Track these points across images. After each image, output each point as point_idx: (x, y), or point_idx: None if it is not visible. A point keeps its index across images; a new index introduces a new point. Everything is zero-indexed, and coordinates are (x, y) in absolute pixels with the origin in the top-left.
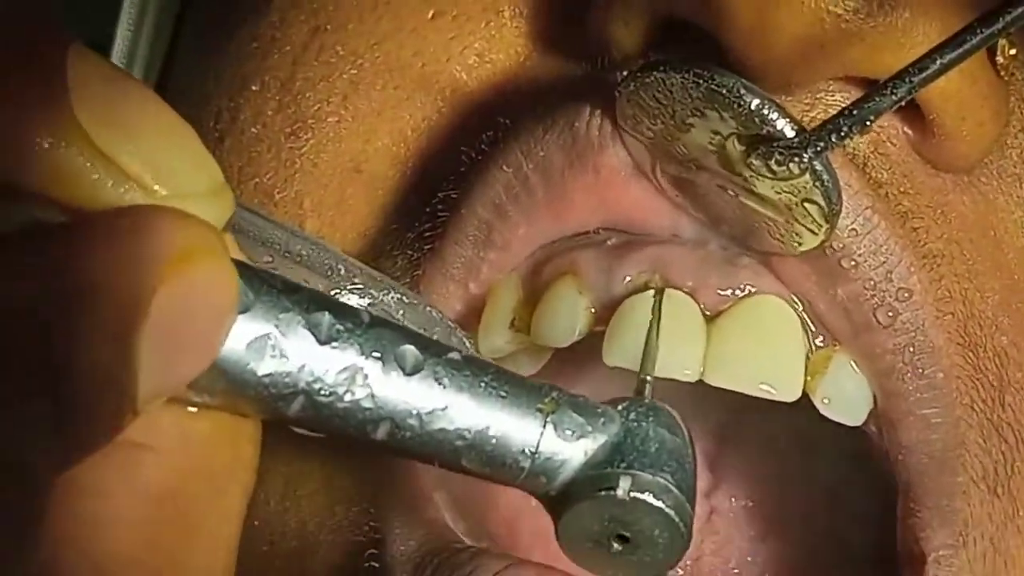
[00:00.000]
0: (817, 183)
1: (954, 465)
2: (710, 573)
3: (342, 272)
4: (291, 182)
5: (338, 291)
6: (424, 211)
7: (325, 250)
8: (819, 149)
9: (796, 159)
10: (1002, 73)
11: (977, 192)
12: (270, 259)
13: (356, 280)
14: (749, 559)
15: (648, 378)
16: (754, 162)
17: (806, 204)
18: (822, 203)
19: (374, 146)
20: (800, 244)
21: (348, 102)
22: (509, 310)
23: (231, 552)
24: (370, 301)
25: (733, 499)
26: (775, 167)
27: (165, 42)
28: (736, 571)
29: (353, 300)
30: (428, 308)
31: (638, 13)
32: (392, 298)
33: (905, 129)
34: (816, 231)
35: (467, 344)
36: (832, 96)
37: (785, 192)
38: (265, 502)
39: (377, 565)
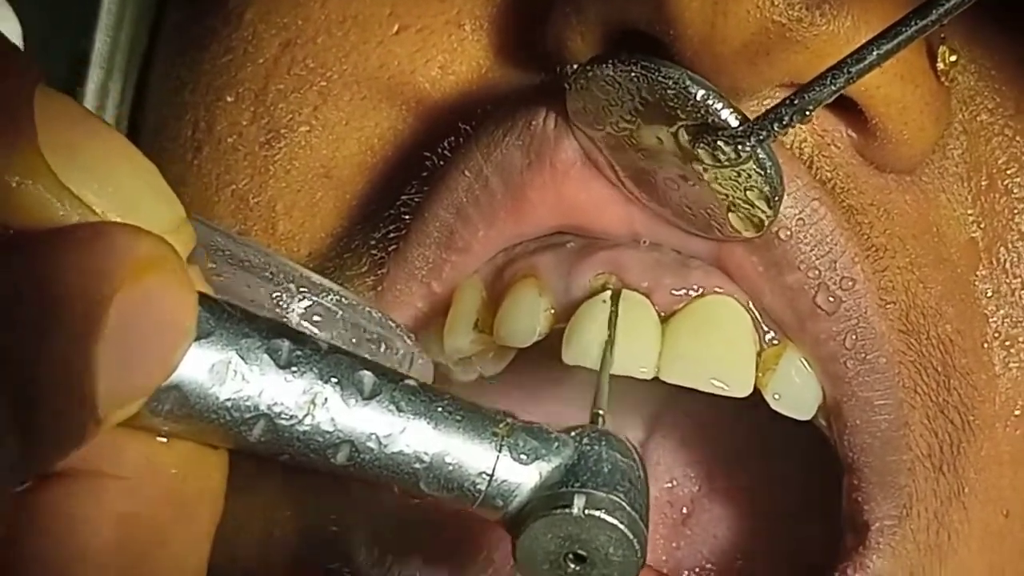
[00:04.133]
0: (760, 170)
1: (898, 445)
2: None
3: (283, 276)
4: (265, 188)
5: (279, 293)
6: (389, 214)
7: (267, 255)
8: (762, 137)
9: (740, 147)
10: (943, 79)
11: (919, 191)
12: (214, 265)
13: (297, 282)
14: (713, 534)
15: (600, 411)
16: (701, 152)
17: (751, 191)
18: (765, 189)
19: (342, 153)
20: (746, 230)
21: (318, 112)
22: (473, 311)
23: (201, 574)
24: (310, 303)
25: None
26: (720, 156)
27: (142, 52)
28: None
29: (294, 302)
30: (368, 308)
31: (593, 24)
32: (331, 300)
33: (849, 132)
34: (761, 216)
35: (408, 341)
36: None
37: (731, 180)
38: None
39: (338, 546)
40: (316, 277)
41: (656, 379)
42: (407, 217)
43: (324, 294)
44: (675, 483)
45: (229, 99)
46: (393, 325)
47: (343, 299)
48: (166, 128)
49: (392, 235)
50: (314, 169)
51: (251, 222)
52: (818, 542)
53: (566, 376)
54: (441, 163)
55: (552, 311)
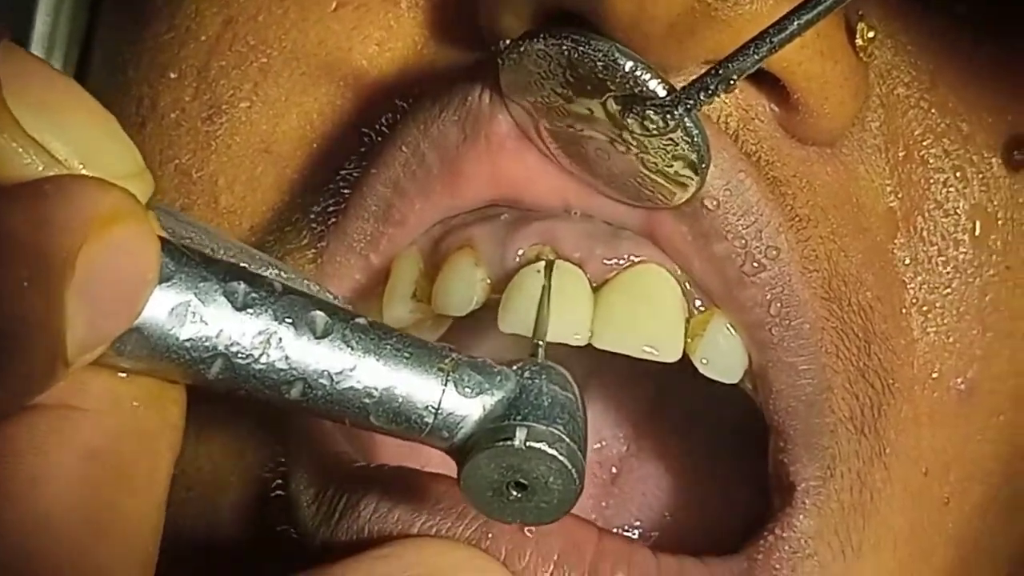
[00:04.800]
0: (688, 138)
1: (822, 408)
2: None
3: (223, 251)
4: (207, 162)
5: None
6: (328, 188)
7: (207, 231)
8: (689, 106)
9: (668, 116)
10: (861, 54)
11: (839, 163)
12: None
13: (238, 258)
14: (642, 492)
15: (540, 342)
16: (630, 121)
17: (678, 159)
18: (693, 157)
19: (282, 128)
20: (675, 196)
21: (259, 88)
22: (411, 282)
23: (161, 505)
24: None
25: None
26: (649, 125)
27: (82, 31)
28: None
29: None
30: (307, 282)
31: (524, 3)
32: (271, 273)
33: (772, 106)
34: (688, 183)
35: None
36: None
37: (660, 149)
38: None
39: (283, 493)
40: (257, 253)
41: (589, 345)
42: (346, 191)
43: (263, 268)
44: (604, 444)
45: (172, 75)
46: (331, 297)
47: (282, 274)
48: (110, 105)
49: (331, 209)
50: (255, 144)
51: (194, 196)
52: (745, 502)
53: (501, 343)
54: (379, 139)
55: (488, 281)
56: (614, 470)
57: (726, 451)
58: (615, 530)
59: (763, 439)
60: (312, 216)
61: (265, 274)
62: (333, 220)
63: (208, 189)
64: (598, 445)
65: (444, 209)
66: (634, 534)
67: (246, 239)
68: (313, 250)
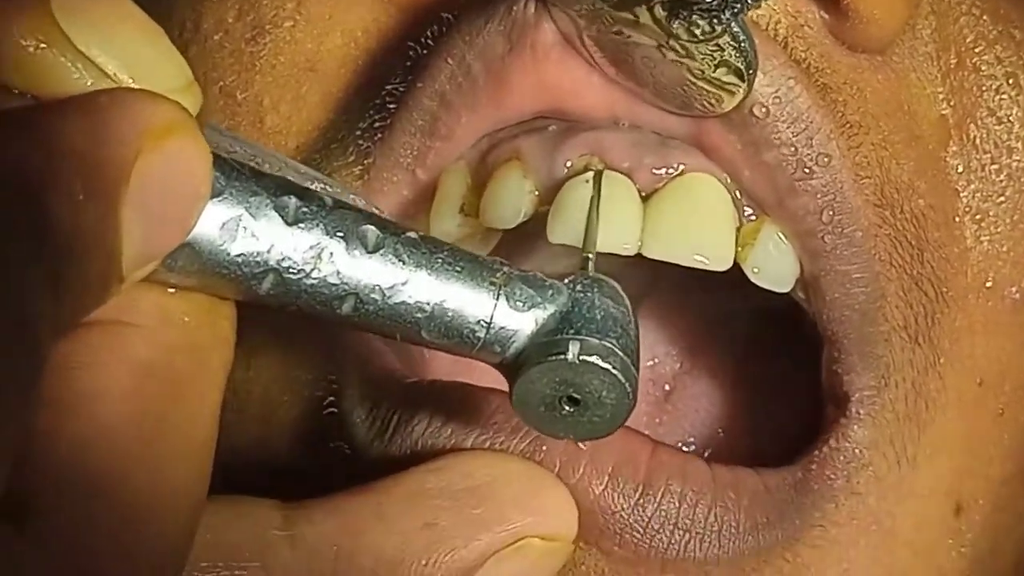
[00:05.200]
0: (735, 43)
1: (875, 316)
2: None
3: (269, 166)
4: (251, 83)
5: None
6: (374, 104)
7: (254, 147)
8: (736, 11)
9: (715, 21)
10: None
11: (891, 70)
12: None
13: (284, 172)
14: (695, 409)
15: (591, 255)
16: (676, 27)
17: (725, 65)
18: (740, 63)
19: (326, 47)
20: (722, 103)
21: (302, 7)
22: (458, 196)
23: (214, 420)
24: None
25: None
26: (695, 30)
27: None
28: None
29: None
30: (353, 196)
31: None
32: (319, 188)
33: (822, 13)
34: (735, 90)
35: None
36: None
37: (706, 55)
38: (230, 374)
39: (335, 410)
40: (303, 167)
41: (639, 256)
42: (391, 107)
43: (311, 184)
44: (656, 361)
45: None
46: (378, 212)
47: (329, 188)
48: None
49: (377, 125)
50: (299, 63)
51: (239, 117)
52: (799, 414)
53: (551, 256)
54: (424, 52)
55: (536, 193)
56: (667, 387)
57: (779, 366)
58: None
59: (816, 353)
60: (358, 133)
61: (313, 188)
62: (379, 136)
63: (253, 110)
64: (651, 363)
65: (491, 122)
66: (688, 450)
67: (293, 158)
68: (360, 167)
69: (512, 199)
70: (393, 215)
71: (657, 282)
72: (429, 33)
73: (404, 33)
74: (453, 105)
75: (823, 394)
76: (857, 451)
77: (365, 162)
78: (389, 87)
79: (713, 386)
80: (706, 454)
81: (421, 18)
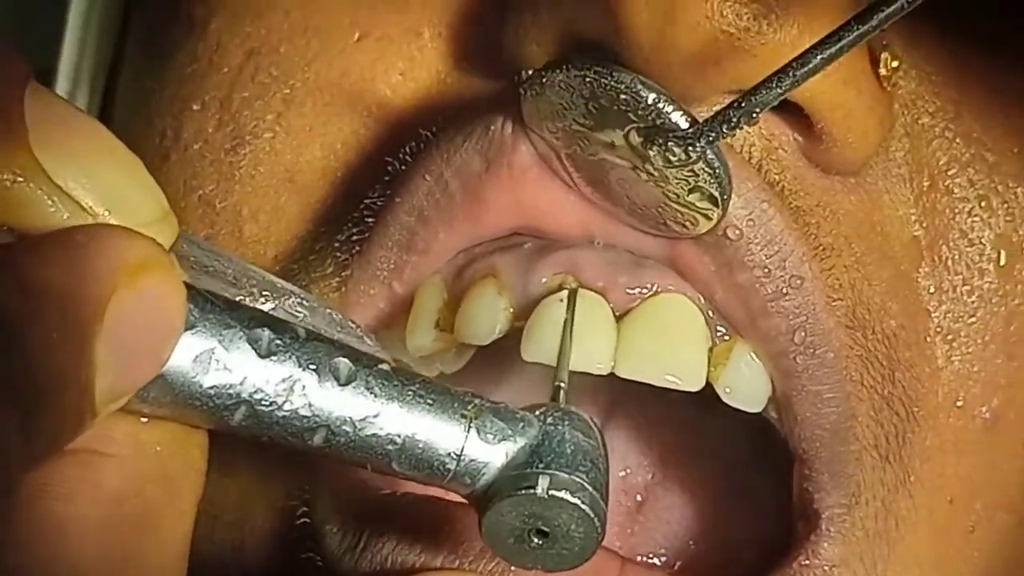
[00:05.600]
0: (710, 170)
1: (846, 436)
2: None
3: (245, 280)
4: (231, 193)
5: (242, 297)
6: (352, 217)
7: (230, 259)
8: (711, 139)
9: (691, 149)
10: (885, 84)
11: (864, 192)
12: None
13: (259, 286)
14: (667, 520)
15: (563, 384)
16: (652, 153)
17: (700, 190)
18: (715, 188)
19: (306, 158)
20: (697, 226)
21: (282, 119)
22: (434, 311)
23: (185, 547)
24: (272, 307)
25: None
26: (671, 157)
27: (108, 61)
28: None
29: (257, 305)
30: (328, 311)
31: (547, 31)
32: (293, 303)
33: (796, 136)
34: (710, 214)
35: (369, 342)
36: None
37: (681, 180)
38: (206, 482)
39: (308, 521)
40: (279, 281)
41: (612, 374)
42: (370, 220)
43: (286, 297)
44: (629, 471)
45: (195, 107)
46: (353, 326)
47: (304, 302)
48: (134, 136)
49: (355, 238)
50: (278, 174)
51: (218, 226)
52: (770, 529)
53: (524, 371)
54: (402, 168)
55: (511, 310)
56: (639, 498)
57: (751, 479)
58: (639, 558)
59: (787, 467)
60: (336, 245)
61: (288, 302)
62: (357, 249)
63: (232, 219)
64: (623, 473)
65: (467, 238)
66: (659, 562)
67: (270, 268)
68: (337, 279)
69: (487, 316)
70: (370, 327)
71: (630, 392)
72: (408, 149)
73: (383, 147)
74: (430, 221)
75: (794, 510)
76: (827, 568)
77: (343, 274)
78: (367, 201)
79: (685, 498)
80: (677, 566)
81: (400, 133)
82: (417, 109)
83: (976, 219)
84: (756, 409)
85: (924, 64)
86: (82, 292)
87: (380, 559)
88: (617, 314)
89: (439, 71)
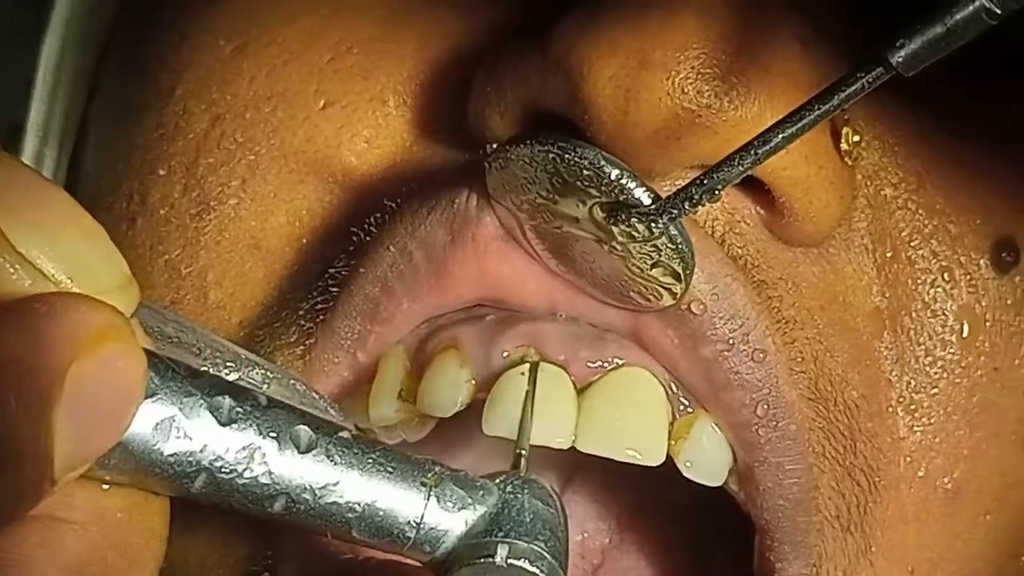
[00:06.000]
0: (673, 245)
1: (808, 507)
2: None
3: (209, 351)
4: (196, 258)
5: (206, 367)
6: (317, 285)
7: (194, 330)
8: (674, 215)
9: (653, 224)
10: (846, 158)
11: (826, 263)
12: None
13: (224, 357)
14: None
15: (523, 452)
16: (615, 228)
17: (663, 265)
18: (677, 264)
19: (271, 225)
20: (660, 300)
21: (247, 185)
22: (396, 382)
23: None
24: (236, 377)
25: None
26: (634, 232)
27: (78, 119)
28: None
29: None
30: (292, 381)
31: (511, 105)
32: (258, 374)
33: (758, 210)
34: (673, 288)
35: (332, 412)
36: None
37: (644, 254)
38: (168, 546)
39: None
40: (243, 351)
41: (572, 447)
42: (334, 289)
43: (250, 368)
44: (586, 535)
45: (161, 172)
46: (317, 397)
47: (269, 373)
48: (101, 199)
49: (320, 306)
50: (244, 240)
51: (184, 291)
52: None
53: (485, 441)
54: (367, 238)
55: (473, 382)
56: (596, 562)
57: (710, 546)
58: None
59: (748, 534)
60: (301, 313)
61: (251, 373)
62: (321, 317)
63: (197, 284)
64: (581, 537)
65: (431, 308)
66: None
67: (235, 334)
68: (301, 347)
69: (449, 389)
70: (333, 396)
71: (589, 459)
72: (372, 219)
73: (348, 216)
74: (394, 291)
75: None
76: None
77: (307, 342)
78: (332, 270)
79: (642, 563)
80: None
81: (365, 201)
82: (382, 178)
83: (939, 290)
84: (716, 483)
85: (887, 136)
86: (41, 361)
87: None
88: (578, 388)
89: (404, 139)
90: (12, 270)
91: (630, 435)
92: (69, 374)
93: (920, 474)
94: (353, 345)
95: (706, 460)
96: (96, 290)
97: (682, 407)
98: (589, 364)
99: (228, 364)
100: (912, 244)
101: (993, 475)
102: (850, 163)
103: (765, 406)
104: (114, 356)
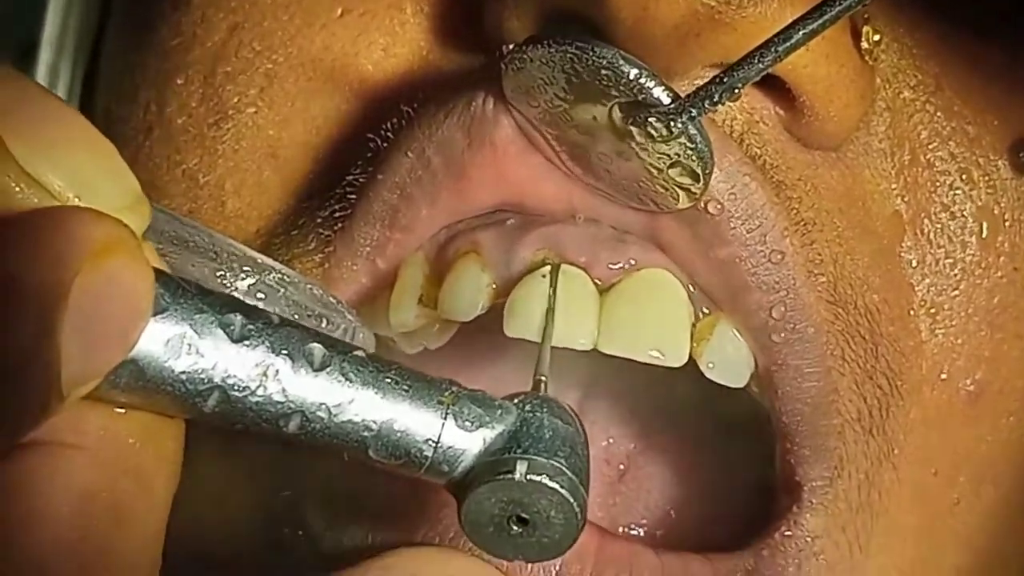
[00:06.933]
0: (691, 145)
1: (828, 410)
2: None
3: (226, 255)
4: (214, 167)
5: (223, 272)
6: (335, 193)
7: (210, 235)
8: (693, 114)
9: (672, 124)
10: (867, 58)
11: (845, 166)
12: (159, 245)
13: (240, 261)
14: (648, 490)
15: (543, 377)
16: (634, 128)
17: (682, 165)
18: (696, 163)
19: (288, 134)
20: (678, 201)
21: (264, 94)
22: (417, 287)
23: (158, 542)
24: (252, 281)
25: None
26: (653, 132)
27: (93, 32)
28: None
29: (238, 280)
30: (309, 286)
31: (529, 7)
32: (274, 278)
33: (777, 110)
34: (692, 189)
35: (349, 316)
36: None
37: (663, 155)
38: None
39: (290, 494)
40: (259, 256)
41: (594, 349)
42: (352, 197)
43: (267, 273)
44: (611, 441)
45: (179, 81)
46: (334, 301)
47: (285, 277)
48: (118, 110)
49: (338, 214)
50: (261, 149)
51: (201, 201)
52: (751, 500)
53: (507, 348)
54: (384, 144)
55: (494, 286)
56: (621, 467)
57: (733, 449)
58: (621, 529)
59: (770, 438)
60: (319, 221)
61: (268, 277)
62: (340, 225)
63: (215, 194)
64: (606, 443)
65: (450, 214)
66: (640, 532)
67: (253, 243)
68: (320, 255)
69: (470, 292)
70: (352, 303)
71: (612, 363)
72: (389, 125)
73: (365, 123)
74: (413, 197)
75: (776, 482)
76: (809, 539)
77: (325, 250)
78: (350, 177)
79: (667, 468)
80: (657, 536)
81: (382, 109)
82: (399, 85)
83: (958, 192)
84: (739, 384)
85: (905, 37)
86: (46, 275)
87: (362, 535)
88: (600, 289)
89: (421, 46)
90: (18, 188)
91: (653, 336)
92: (74, 287)
93: (943, 377)
94: (372, 252)
95: (728, 361)
96: (104, 208)
97: (703, 308)
98: (611, 266)
99: (244, 268)
100: (930, 147)
101: (1015, 376)
102: (870, 63)
103: (782, 308)
104: (120, 269)
